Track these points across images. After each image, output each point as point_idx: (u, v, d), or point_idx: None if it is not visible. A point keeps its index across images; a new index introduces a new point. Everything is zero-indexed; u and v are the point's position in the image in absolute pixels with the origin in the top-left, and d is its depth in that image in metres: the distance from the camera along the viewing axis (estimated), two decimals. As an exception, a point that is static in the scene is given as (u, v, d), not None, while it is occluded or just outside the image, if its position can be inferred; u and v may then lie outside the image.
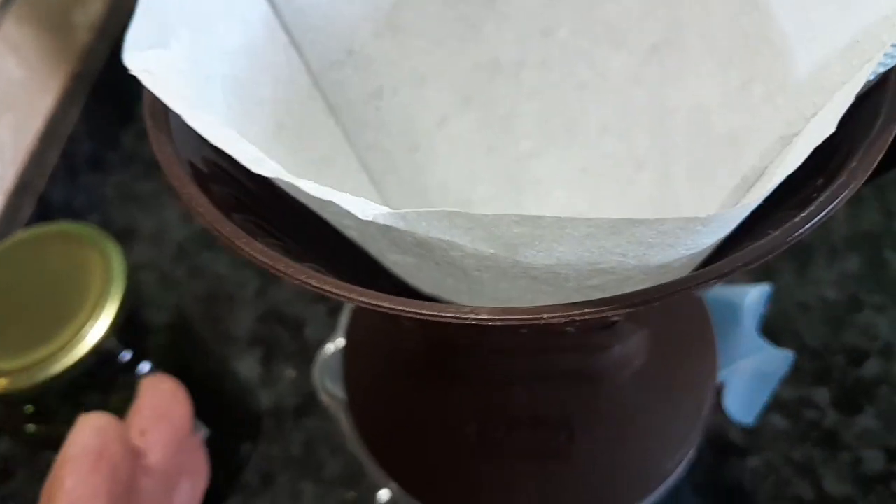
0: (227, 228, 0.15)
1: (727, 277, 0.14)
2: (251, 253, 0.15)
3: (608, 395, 0.28)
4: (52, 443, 0.35)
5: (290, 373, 0.46)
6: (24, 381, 0.31)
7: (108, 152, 0.56)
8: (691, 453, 0.29)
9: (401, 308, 0.13)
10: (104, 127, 0.56)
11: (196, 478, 0.29)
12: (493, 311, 0.14)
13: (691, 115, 0.22)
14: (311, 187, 0.14)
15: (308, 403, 0.44)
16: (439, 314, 0.13)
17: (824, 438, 0.41)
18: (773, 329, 0.41)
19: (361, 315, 0.31)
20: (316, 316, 0.48)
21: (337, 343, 0.32)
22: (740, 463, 0.40)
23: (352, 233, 0.19)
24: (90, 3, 0.55)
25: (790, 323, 0.44)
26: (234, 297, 0.49)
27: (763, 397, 0.34)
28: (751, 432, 0.40)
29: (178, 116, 0.19)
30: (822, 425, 0.41)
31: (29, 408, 0.34)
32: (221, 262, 0.51)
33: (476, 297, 0.21)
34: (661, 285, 0.13)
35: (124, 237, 0.52)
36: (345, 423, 0.30)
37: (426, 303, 0.13)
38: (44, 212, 0.49)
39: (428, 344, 0.28)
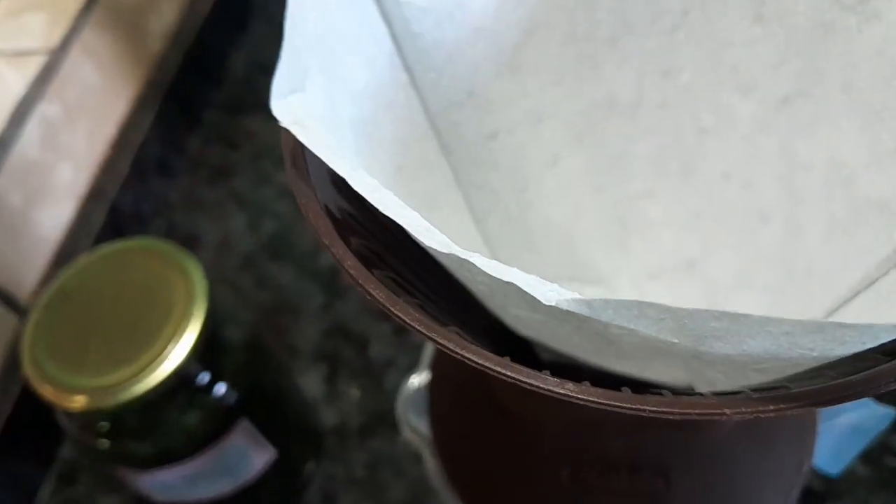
0: (380, 293, 0.15)
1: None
2: (411, 324, 0.14)
3: (708, 444, 0.27)
4: (121, 458, 0.35)
5: (355, 392, 0.45)
6: (104, 401, 0.31)
7: (175, 158, 0.57)
8: (789, 509, 0.28)
9: (576, 395, 0.13)
10: (172, 133, 0.56)
11: None
12: (667, 402, 0.13)
13: (829, 173, 0.21)
14: (489, 266, 0.13)
15: (373, 423, 0.44)
16: (616, 403, 0.13)
17: (906, 487, 0.39)
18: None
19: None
20: (381, 333, 0.47)
21: (422, 376, 0.31)
22: (819, 509, 0.39)
23: (481, 287, 0.19)
24: (165, 11, 0.55)
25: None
26: (300, 309, 0.49)
27: (854, 451, 0.33)
28: (831, 479, 0.39)
29: (312, 162, 0.18)
30: (904, 473, 0.40)
31: (104, 425, 0.34)
32: (286, 273, 0.50)
33: (598, 356, 0.21)
34: (858, 381, 0.13)
35: (189, 245, 0.52)
36: (429, 460, 0.29)
37: (602, 391, 0.13)
38: (114, 219, 0.49)
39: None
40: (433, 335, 0.14)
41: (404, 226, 0.14)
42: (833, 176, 0.21)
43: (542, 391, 0.14)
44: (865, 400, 0.31)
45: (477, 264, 0.13)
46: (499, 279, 0.13)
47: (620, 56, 0.24)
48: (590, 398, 0.13)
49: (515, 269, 0.13)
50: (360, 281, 0.15)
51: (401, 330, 0.47)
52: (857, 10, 0.20)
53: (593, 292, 0.27)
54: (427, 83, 0.22)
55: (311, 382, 0.46)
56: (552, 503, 0.27)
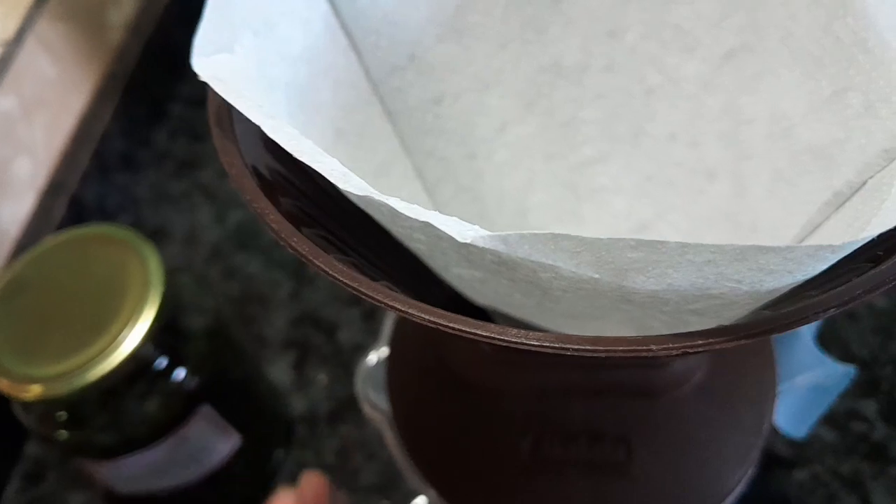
0: (304, 247, 0.14)
1: (848, 306, 0.13)
2: (333, 275, 0.14)
3: (667, 410, 0.27)
4: (84, 448, 0.34)
5: (323, 378, 0.45)
6: (60, 389, 0.30)
7: (140, 151, 0.56)
8: (752, 471, 0.28)
9: (523, 341, 0.12)
10: (136, 126, 0.55)
11: None
12: (596, 340, 0.13)
13: (771, 125, 0.21)
14: (405, 207, 0.13)
15: (342, 409, 0.43)
16: (553, 344, 0.12)
17: (873, 452, 0.39)
18: (821, 340, 0.40)
19: (407, 323, 0.31)
20: (350, 319, 0.47)
21: (380, 352, 0.31)
22: (787, 476, 0.39)
23: (419, 246, 0.19)
24: (124, 2, 0.54)
25: (837, 333, 0.43)
26: (268, 298, 0.48)
27: (818, 412, 0.33)
28: (798, 445, 0.39)
29: (241, 123, 0.18)
30: (871, 438, 0.40)
31: (62, 414, 0.33)
32: (255, 263, 0.50)
33: (543, 314, 0.20)
34: (781, 315, 0.12)
35: (156, 237, 0.51)
36: (389, 435, 0.29)
37: (547, 334, 0.13)
38: (76, 212, 0.48)
39: (479, 356, 0.27)
40: (357, 286, 0.14)
41: (321, 171, 0.14)
42: (774, 128, 0.21)
43: (478, 337, 0.13)
44: (824, 358, 0.31)
45: (394, 206, 0.13)
46: (416, 220, 0.13)
47: (565, 18, 0.24)
48: (515, 339, 0.13)
49: (434, 212, 0.13)
50: (282, 235, 0.14)
51: (370, 314, 0.46)
52: (793, -41, 0.20)
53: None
54: (367, 46, 0.22)
55: (279, 370, 0.45)
56: (513, 474, 0.27)
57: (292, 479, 0.42)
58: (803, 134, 0.20)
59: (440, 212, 0.27)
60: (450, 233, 0.12)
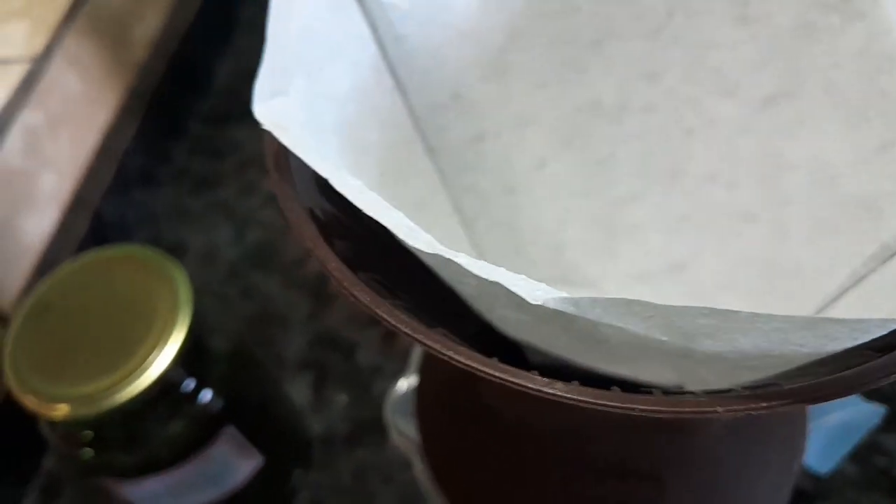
0: (366, 296, 0.14)
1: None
2: (393, 323, 0.14)
3: (699, 446, 0.27)
4: (107, 468, 0.34)
5: (341, 398, 0.45)
6: (86, 410, 0.30)
7: (160, 168, 0.56)
8: (781, 511, 0.28)
9: (575, 397, 0.13)
10: (156, 142, 0.56)
11: None
12: (657, 401, 0.13)
13: (814, 173, 0.21)
14: (472, 265, 0.13)
15: (360, 431, 0.44)
16: (606, 403, 0.13)
17: (894, 487, 0.39)
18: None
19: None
20: (369, 340, 0.47)
21: (410, 380, 0.31)
22: (807, 510, 0.39)
23: (467, 290, 0.19)
24: (149, 19, 0.55)
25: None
26: (286, 318, 0.48)
27: (844, 449, 0.33)
28: (819, 479, 0.39)
29: (295, 166, 0.18)
30: (893, 473, 0.40)
31: (87, 434, 0.33)
32: (273, 282, 0.50)
33: (587, 357, 0.21)
34: (850, 377, 0.13)
35: (174, 255, 0.51)
36: (418, 465, 0.29)
37: (592, 390, 0.13)
38: (97, 228, 0.49)
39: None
40: (420, 337, 0.14)
41: (388, 227, 0.14)
42: (818, 176, 0.21)
43: (530, 391, 0.14)
44: (854, 397, 0.31)
45: (463, 265, 0.13)
46: (485, 279, 0.13)
47: (605, 59, 0.24)
48: (579, 398, 0.13)
49: (502, 269, 0.13)
50: (344, 284, 0.15)
51: (388, 336, 0.47)
52: (839, 8, 0.20)
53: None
54: (412, 86, 0.22)
55: (298, 390, 0.45)
56: (542, 508, 0.27)
57: (310, 500, 0.42)
58: (848, 184, 0.20)
59: (477, 245, 0.27)
60: (521, 294, 0.13)
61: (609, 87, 0.25)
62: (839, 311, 0.19)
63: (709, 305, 0.12)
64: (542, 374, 0.15)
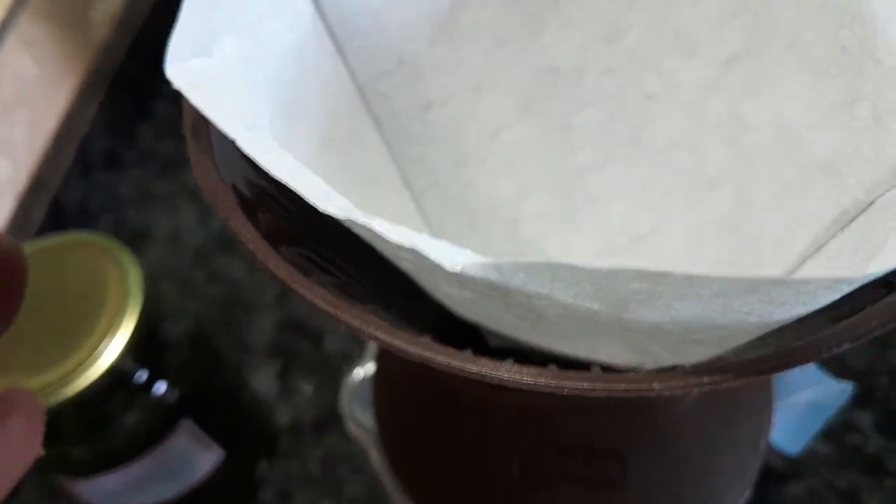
0: (281, 269, 0.13)
1: (862, 339, 0.12)
2: (312, 298, 0.13)
3: (664, 425, 0.26)
4: (61, 465, 0.33)
5: (308, 387, 0.44)
6: (36, 403, 0.29)
7: (125, 150, 0.55)
8: (749, 492, 0.27)
9: (516, 377, 0.11)
10: (121, 123, 0.54)
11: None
12: (590, 377, 0.12)
13: (777, 135, 0.20)
14: (389, 230, 0.12)
15: (327, 419, 0.42)
16: (550, 381, 0.11)
17: (868, 464, 0.39)
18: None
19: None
20: (336, 327, 0.46)
21: (366, 368, 0.30)
22: (782, 490, 0.39)
23: (407, 265, 0.18)
24: (108, -4, 0.53)
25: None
26: (253, 303, 0.47)
27: (814, 429, 0.32)
28: (793, 458, 0.38)
29: (219, 133, 0.17)
30: (866, 451, 0.39)
31: (39, 429, 0.32)
32: (239, 266, 0.49)
33: (536, 335, 0.19)
34: (798, 347, 0.11)
35: (139, 239, 0.50)
36: (374, 454, 0.28)
37: (543, 370, 0.12)
38: (57, 213, 0.47)
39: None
40: (337, 312, 0.13)
41: (298, 191, 0.13)
42: (781, 137, 0.20)
43: (453, 370, 0.13)
44: (822, 375, 0.30)
45: (377, 230, 0.12)
46: (405, 246, 0.12)
47: (563, 18, 0.23)
48: (505, 375, 0.12)
49: (422, 235, 0.12)
50: (259, 257, 0.13)
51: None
52: (801, -38, 0.19)
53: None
54: (353, 50, 0.21)
55: (263, 379, 0.44)
56: (504, 490, 0.26)
57: (278, 492, 0.41)
58: (811, 145, 0.19)
59: (429, 221, 0.26)
60: (438, 260, 0.11)
61: (567, 49, 0.23)
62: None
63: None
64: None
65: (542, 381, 0.12)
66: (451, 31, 0.22)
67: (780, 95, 0.20)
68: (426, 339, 0.14)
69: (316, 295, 0.13)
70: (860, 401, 0.40)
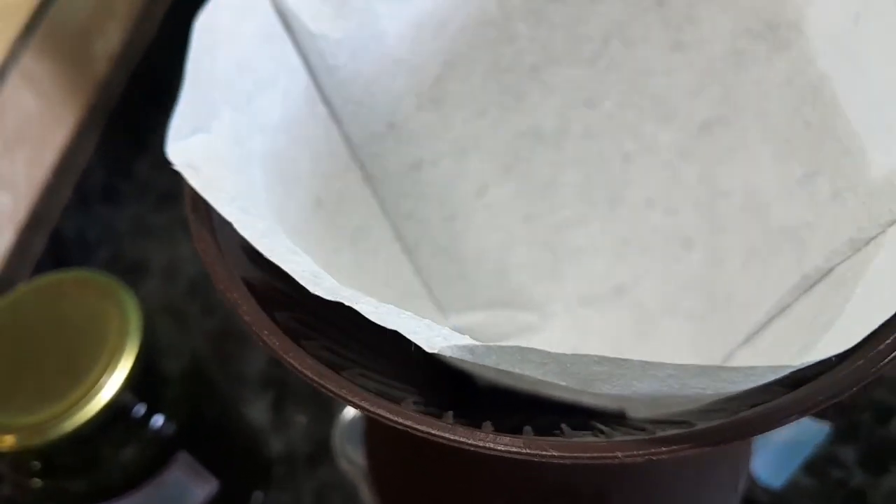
0: (275, 342, 0.14)
1: (815, 409, 0.13)
2: (302, 371, 0.14)
3: (643, 468, 0.27)
4: (56, 497, 0.34)
5: (302, 418, 0.45)
6: (34, 439, 0.30)
7: (122, 183, 0.56)
8: (726, 530, 0.28)
9: (490, 446, 0.13)
10: (118, 158, 0.55)
11: None
12: (559, 446, 0.13)
13: (746, 201, 0.21)
14: (373, 313, 0.13)
15: (321, 451, 0.43)
16: (521, 450, 0.12)
17: (851, 498, 0.39)
18: (798, 386, 0.40)
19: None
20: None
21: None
22: (765, 523, 0.39)
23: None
24: (110, 33, 0.54)
25: (815, 379, 0.43)
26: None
27: (795, 463, 0.33)
28: (776, 491, 0.39)
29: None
30: (849, 485, 0.40)
31: (36, 464, 0.33)
32: (235, 300, 0.50)
33: (520, 385, 0.21)
34: (755, 417, 0.13)
35: (136, 271, 0.51)
36: (365, 492, 0.29)
37: (514, 439, 0.13)
38: (56, 246, 0.48)
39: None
40: (325, 382, 0.14)
41: (290, 273, 0.14)
42: (749, 203, 0.21)
43: (447, 441, 0.14)
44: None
45: (362, 312, 0.13)
46: (386, 326, 0.13)
47: (544, 86, 0.24)
48: (485, 444, 0.13)
49: (405, 315, 0.13)
50: (254, 328, 0.14)
51: (350, 354, 0.46)
52: (766, 37, 0.21)
53: (527, 319, 0.27)
54: (346, 115, 0.22)
55: (257, 410, 0.45)
56: (490, 533, 0.27)
57: (270, 523, 0.41)
58: (777, 213, 0.20)
59: (420, 272, 0.27)
60: (418, 342, 0.13)
61: (548, 113, 0.25)
62: (765, 340, 0.19)
63: (650, 331, 0.12)
64: (491, 400, 0.14)
65: (513, 450, 0.13)
66: (437, 99, 0.23)
67: (749, 164, 0.21)
68: (409, 406, 0.15)
69: (306, 367, 0.14)
70: (844, 436, 0.41)
